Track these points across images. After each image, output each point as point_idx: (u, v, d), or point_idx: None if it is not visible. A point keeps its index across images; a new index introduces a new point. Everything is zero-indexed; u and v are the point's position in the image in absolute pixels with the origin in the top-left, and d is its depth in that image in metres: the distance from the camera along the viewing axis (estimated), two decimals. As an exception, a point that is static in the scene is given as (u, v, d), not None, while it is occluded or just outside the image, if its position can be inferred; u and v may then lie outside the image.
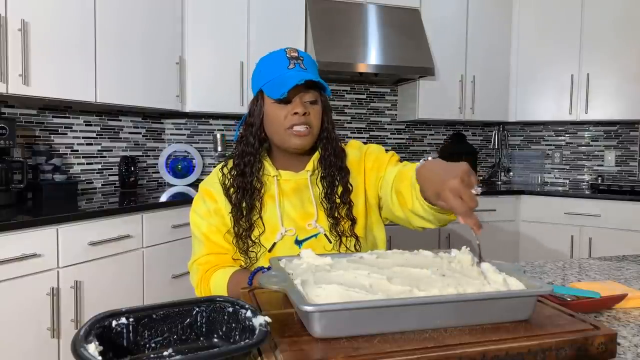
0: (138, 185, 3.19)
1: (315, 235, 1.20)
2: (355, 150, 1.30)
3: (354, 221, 1.22)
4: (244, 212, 1.19)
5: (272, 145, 1.26)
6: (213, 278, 1.19)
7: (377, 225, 1.30)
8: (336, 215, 1.20)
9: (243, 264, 1.23)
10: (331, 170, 1.22)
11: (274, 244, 1.19)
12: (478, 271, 0.84)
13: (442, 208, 0.90)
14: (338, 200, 1.21)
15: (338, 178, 1.22)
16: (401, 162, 1.27)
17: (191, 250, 1.29)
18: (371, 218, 1.28)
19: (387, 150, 1.31)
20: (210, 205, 1.23)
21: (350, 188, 1.23)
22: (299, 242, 1.20)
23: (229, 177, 1.22)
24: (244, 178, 1.20)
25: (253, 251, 1.19)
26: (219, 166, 1.27)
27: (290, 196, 1.23)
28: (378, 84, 3.93)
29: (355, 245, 1.21)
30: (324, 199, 1.22)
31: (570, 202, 3.40)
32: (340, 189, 1.22)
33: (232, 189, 1.21)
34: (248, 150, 1.21)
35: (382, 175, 1.24)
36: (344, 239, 1.20)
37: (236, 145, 1.25)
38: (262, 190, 1.22)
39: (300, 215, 1.21)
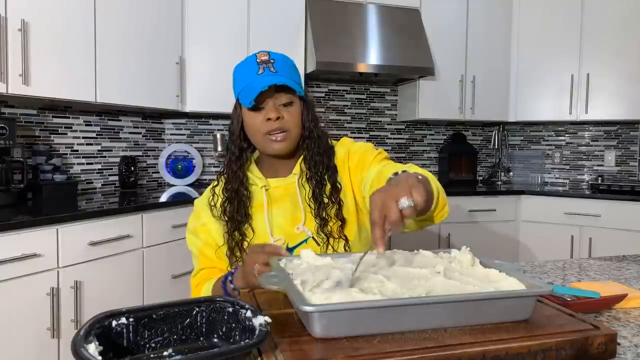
0: (138, 185, 3.19)
1: (305, 241, 1.19)
2: (342, 149, 1.28)
3: (343, 221, 1.19)
4: (236, 224, 1.19)
5: (258, 152, 1.27)
6: (203, 291, 1.21)
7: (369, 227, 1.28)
8: (324, 215, 1.18)
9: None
10: (318, 169, 1.21)
11: None
12: (482, 273, 0.84)
13: None
14: (326, 200, 1.19)
15: (326, 177, 1.20)
16: (389, 160, 1.24)
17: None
18: (363, 217, 1.25)
19: (377, 148, 1.28)
20: (198, 222, 1.26)
21: (339, 187, 1.21)
22: (289, 250, 1.19)
23: (222, 193, 1.23)
24: (232, 185, 1.21)
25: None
26: (213, 184, 1.28)
27: (280, 203, 1.22)
28: (378, 84, 3.93)
29: (344, 247, 1.19)
30: (311, 199, 1.20)
31: (570, 202, 3.40)
32: (328, 188, 1.20)
33: (225, 203, 1.21)
34: (233, 159, 1.22)
35: (365, 175, 1.20)
36: (331, 240, 1.17)
37: (225, 155, 1.26)
38: (251, 200, 1.22)
39: (289, 221, 1.20)
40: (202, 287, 1.21)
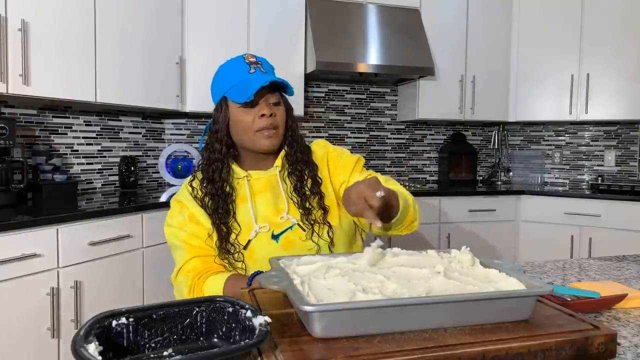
0: (138, 185, 3.19)
1: (291, 227, 1.23)
2: (320, 148, 1.35)
3: (325, 210, 1.25)
4: (221, 219, 1.20)
5: (239, 149, 1.28)
6: (207, 285, 1.17)
7: (350, 219, 1.32)
8: (307, 205, 1.23)
9: (226, 267, 1.23)
10: (298, 165, 1.26)
11: (249, 241, 1.21)
12: (482, 273, 0.85)
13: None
14: (308, 192, 1.25)
15: (306, 172, 1.26)
16: (365, 168, 1.34)
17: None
18: (343, 209, 1.28)
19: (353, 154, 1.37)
20: (185, 213, 1.25)
21: (320, 180, 1.27)
22: (275, 237, 1.22)
23: (200, 188, 1.24)
24: (214, 185, 1.22)
25: (233, 253, 1.20)
26: (188, 180, 1.29)
27: (263, 193, 1.25)
28: (378, 84, 3.93)
29: (328, 233, 1.23)
30: (293, 193, 1.25)
31: (570, 202, 3.40)
32: (309, 182, 1.26)
33: (206, 198, 1.23)
34: (215, 157, 1.24)
35: (347, 180, 1.29)
36: (316, 227, 1.22)
37: (202, 154, 1.27)
38: (234, 195, 1.24)
39: (272, 211, 1.24)
40: (206, 281, 1.17)
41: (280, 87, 1.24)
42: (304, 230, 1.22)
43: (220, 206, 1.21)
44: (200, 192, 1.24)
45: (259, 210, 1.24)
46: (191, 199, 1.25)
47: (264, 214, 1.23)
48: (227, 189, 1.23)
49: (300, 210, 1.23)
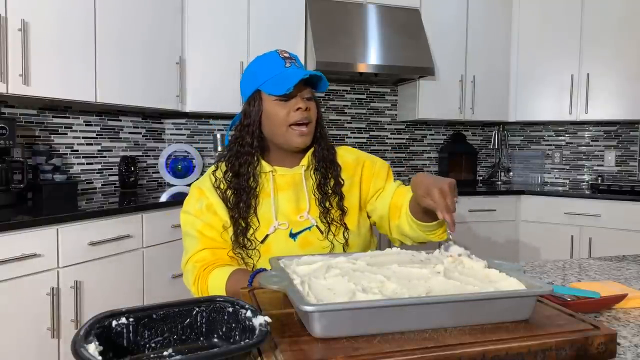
0: (138, 185, 3.19)
1: (309, 228, 1.23)
2: (350, 154, 1.36)
3: (344, 211, 1.25)
4: (241, 213, 1.21)
5: (268, 144, 1.28)
6: (211, 277, 1.19)
7: (368, 225, 1.34)
8: (327, 204, 1.24)
9: (238, 260, 1.24)
10: (324, 163, 1.27)
11: (267, 235, 1.21)
12: (482, 273, 0.85)
13: (426, 206, 1.04)
14: (330, 191, 1.26)
15: (330, 171, 1.27)
16: (394, 178, 1.37)
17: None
18: (364, 216, 1.32)
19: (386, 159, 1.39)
20: (203, 202, 1.25)
21: (342, 182, 1.28)
22: (293, 235, 1.22)
23: (223, 180, 1.24)
24: (239, 179, 1.22)
25: (249, 248, 1.21)
26: (211, 169, 1.29)
27: (285, 190, 1.26)
28: (378, 84, 3.93)
29: (343, 234, 1.24)
30: (316, 190, 1.25)
31: (570, 202, 3.40)
32: (332, 182, 1.26)
33: (229, 192, 1.23)
34: (244, 150, 1.23)
35: (382, 187, 1.31)
36: (332, 227, 1.23)
37: (229, 147, 1.26)
38: (258, 189, 1.24)
39: (293, 209, 1.24)
40: (212, 273, 1.18)
41: (311, 84, 1.24)
42: (322, 232, 1.23)
43: (243, 200, 1.21)
44: (223, 184, 1.24)
45: (280, 206, 1.24)
46: (212, 189, 1.25)
47: (284, 211, 1.23)
48: (252, 183, 1.23)
49: (320, 208, 1.24)
